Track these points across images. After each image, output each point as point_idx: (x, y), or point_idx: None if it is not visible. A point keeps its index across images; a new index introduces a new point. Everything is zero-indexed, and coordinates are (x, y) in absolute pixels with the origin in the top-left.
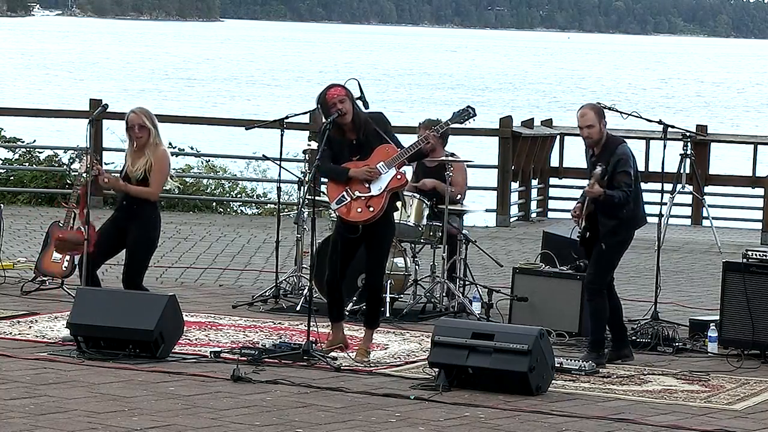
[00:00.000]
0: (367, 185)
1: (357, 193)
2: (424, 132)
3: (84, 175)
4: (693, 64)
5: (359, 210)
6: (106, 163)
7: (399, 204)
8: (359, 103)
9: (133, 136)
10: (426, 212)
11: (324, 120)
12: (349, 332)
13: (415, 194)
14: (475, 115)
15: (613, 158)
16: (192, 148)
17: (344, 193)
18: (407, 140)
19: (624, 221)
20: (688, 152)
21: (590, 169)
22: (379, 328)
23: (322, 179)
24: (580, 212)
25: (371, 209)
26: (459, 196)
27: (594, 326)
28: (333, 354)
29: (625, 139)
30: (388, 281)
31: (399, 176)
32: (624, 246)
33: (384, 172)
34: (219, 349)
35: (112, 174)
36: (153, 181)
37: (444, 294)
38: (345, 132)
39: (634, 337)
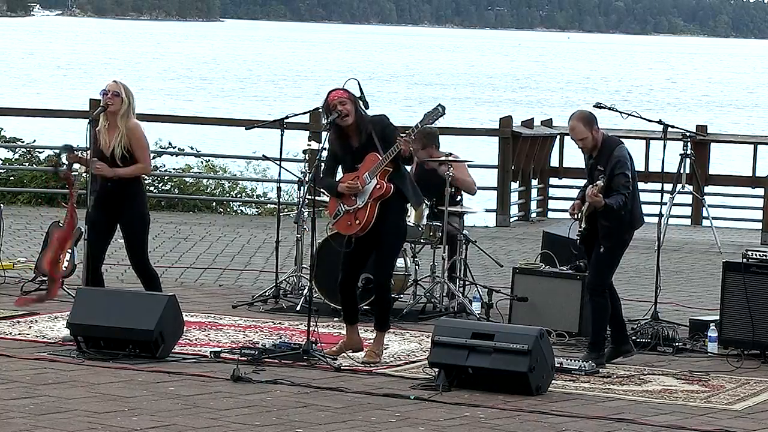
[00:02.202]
0: (353, 197)
1: (346, 207)
2: (417, 144)
3: (84, 175)
4: (693, 64)
5: (348, 223)
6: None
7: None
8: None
9: (105, 101)
10: (426, 212)
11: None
12: None
13: None
14: (444, 113)
15: (611, 161)
16: (192, 148)
17: (338, 208)
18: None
19: (622, 223)
20: (688, 152)
21: (589, 171)
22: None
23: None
24: (579, 209)
25: (358, 221)
26: (472, 190)
27: (595, 326)
28: (338, 352)
29: (625, 139)
30: None
31: (379, 186)
32: (623, 247)
33: (367, 182)
34: (219, 349)
35: (83, 155)
36: (140, 157)
37: (444, 294)
38: (348, 136)
39: (634, 337)
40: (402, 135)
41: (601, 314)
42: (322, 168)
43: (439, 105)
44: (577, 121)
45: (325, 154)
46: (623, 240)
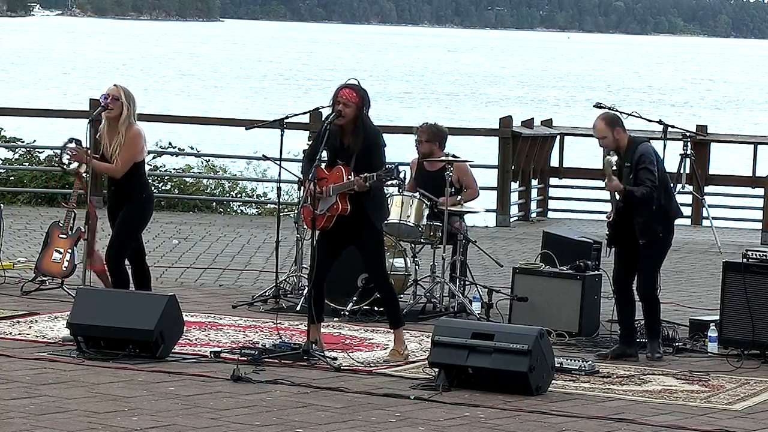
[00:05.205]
0: (317, 200)
1: (309, 205)
2: (423, 136)
3: (84, 174)
4: (693, 63)
5: (309, 218)
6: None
7: (396, 203)
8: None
9: (105, 104)
10: (426, 212)
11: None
12: (350, 332)
13: (415, 194)
14: (397, 176)
15: (635, 156)
16: (192, 148)
17: (307, 196)
18: (407, 140)
19: (655, 215)
20: (688, 152)
21: (619, 170)
22: (378, 328)
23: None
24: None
25: (315, 224)
26: (475, 196)
27: (650, 318)
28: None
29: None
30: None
31: (336, 205)
32: (665, 240)
33: (330, 194)
34: (219, 349)
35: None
36: (120, 158)
37: (444, 294)
38: (342, 133)
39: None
40: (362, 176)
41: (656, 307)
42: (307, 151)
43: (397, 168)
44: (599, 120)
45: (324, 154)
46: (661, 233)
